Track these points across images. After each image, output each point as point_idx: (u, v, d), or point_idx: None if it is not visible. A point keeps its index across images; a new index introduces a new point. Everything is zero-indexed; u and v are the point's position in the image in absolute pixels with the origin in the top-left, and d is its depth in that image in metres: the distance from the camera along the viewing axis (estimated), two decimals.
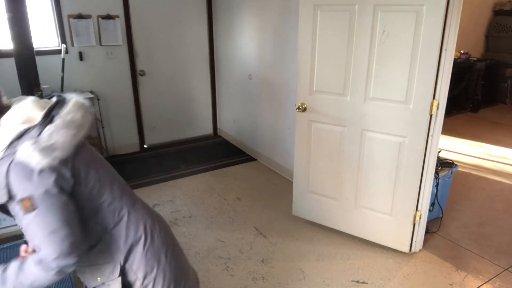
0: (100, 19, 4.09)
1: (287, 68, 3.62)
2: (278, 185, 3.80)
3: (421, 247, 2.76)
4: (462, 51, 6.27)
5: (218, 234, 2.97)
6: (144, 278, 1.26)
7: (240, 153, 4.65)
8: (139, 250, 1.25)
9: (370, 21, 2.37)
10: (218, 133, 5.30)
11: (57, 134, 1.03)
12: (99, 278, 1.24)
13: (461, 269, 2.56)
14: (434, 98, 2.32)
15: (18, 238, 1.83)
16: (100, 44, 4.16)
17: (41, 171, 0.99)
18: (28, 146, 0.98)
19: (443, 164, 3.03)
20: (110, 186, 1.21)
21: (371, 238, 2.79)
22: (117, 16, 4.17)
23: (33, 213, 1.00)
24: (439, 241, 2.88)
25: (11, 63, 3.24)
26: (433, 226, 3.01)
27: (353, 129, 2.63)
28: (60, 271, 1.06)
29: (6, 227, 1.75)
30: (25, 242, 1.29)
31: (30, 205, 0.99)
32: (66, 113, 1.08)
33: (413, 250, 2.71)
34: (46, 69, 3.80)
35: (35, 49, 3.23)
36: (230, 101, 4.88)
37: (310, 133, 2.83)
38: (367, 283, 2.45)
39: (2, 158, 1.00)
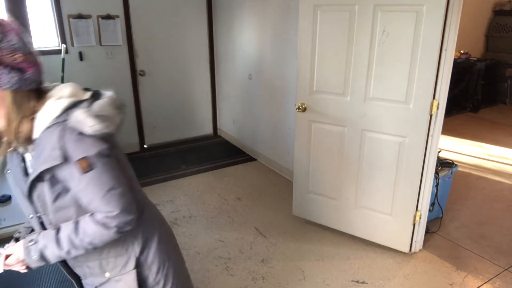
0: (100, 19, 4.09)
1: (287, 68, 3.62)
2: (278, 185, 3.80)
3: (421, 247, 2.76)
4: (462, 51, 6.27)
5: (218, 234, 2.97)
6: (157, 273, 1.26)
7: (240, 153, 4.65)
8: (154, 244, 1.26)
9: (370, 21, 2.37)
10: (218, 133, 5.30)
11: (107, 108, 1.09)
12: (107, 274, 1.22)
13: (461, 269, 2.56)
14: (434, 98, 2.32)
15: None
16: (100, 44, 4.16)
17: (93, 135, 1.02)
18: (81, 113, 1.02)
19: (443, 164, 3.03)
20: (133, 178, 1.22)
21: (371, 238, 2.80)
22: (117, 16, 4.17)
23: (91, 173, 1.02)
24: (439, 241, 2.88)
25: None
26: (433, 226, 3.01)
27: (353, 129, 2.63)
28: (120, 228, 1.08)
29: (6, 227, 1.75)
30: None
31: (87, 165, 1.02)
32: (109, 96, 1.15)
33: (413, 250, 2.71)
34: (46, 69, 3.79)
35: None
36: (230, 101, 4.88)
37: (310, 133, 2.83)
38: (367, 283, 2.45)
39: (51, 125, 1.02)
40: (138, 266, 1.22)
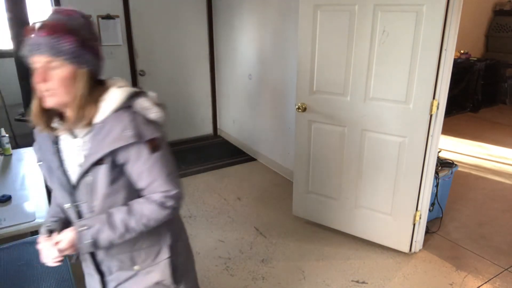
0: (100, 19, 4.09)
1: (287, 68, 3.62)
2: (278, 185, 3.80)
3: (421, 247, 2.76)
4: (462, 51, 6.26)
5: (218, 234, 2.97)
6: (184, 263, 1.31)
7: (240, 153, 4.65)
8: (183, 235, 1.34)
9: (370, 21, 2.37)
10: (218, 133, 5.30)
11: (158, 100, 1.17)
12: (136, 267, 1.23)
13: (461, 269, 2.56)
14: (434, 98, 2.32)
15: (18, 238, 1.83)
16: (100, 44, 4.16)
17: (156, 121, 1.12)
18: (145, 100, 1.12)
19: (443, 164, 3.03)
20: None
21: (371, 238, 2.80)
22: (117, 16, 4.17)
23: (158, 153, 1.10)
24: (439, 241, 2.88)
25: (11, 63, 3.24)
26: (433, 226, 3.01)
27: (353, 129, 2.63)
28: (175, 209, 1.15)
29: (6, 227, 1.75)
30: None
31: (156, 145, 1.10)
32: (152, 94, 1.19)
33: (413, 250, 2.71)
34: None
35: None
36: (230, 101, 4.88)
37: (310, 133, 2.83)
38: (367, 283, 2.45)
39: (117, 110, 1.08)
40: (172, 255, 1.26)
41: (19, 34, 3.08)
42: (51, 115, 1.10)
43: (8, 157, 2.60)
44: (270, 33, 3.82)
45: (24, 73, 3.18)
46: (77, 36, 1.02)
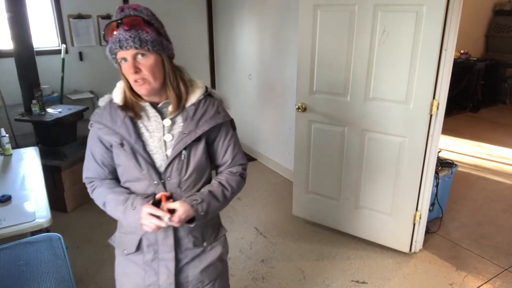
0: (100, 19, 4.09)
1: (287, 68, 3.62)
2: (278, 185, 3.80)
3: (421, 247, 2.76)
4: (462, 51, 6.27)
5: None
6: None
7: None
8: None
9: (370, 21, 2.37)
10: None
11: None
12: (205, 243, 1.31)
13: (461, 269, 2.56)
14: (434, 98, 2.32)
15: (18, 238, 1.83)
16: (100, 44, 4.16)
17: (227, 109, 1.34)
18: (219, 92, 1.34)
19: (443, 164, 3.03)
20: None
21: (371, 238, 2.80)
22: None
23: (235, 132, 1.34)
24: (439, 241, 2.88)
25: (11, 63, 3.24)
26: (433, 226, 3.01)
27: (353, 129, 2.63)
28: (245, 179, 1.35)
29: (6, 227, 1.75)
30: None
31: (234, 125, 1.34)
32: None
33: (413, 250, 2.71)
34: (46, 69, 3.80)
35: (35, 49, 3.23)
36: (230, 101, 4.86)
37: (310, 133, 2.83)
38: (367, 283, 2.45)
39: (204, 96, 1.26)
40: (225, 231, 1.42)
41: (19, 34, 3.08)
42: (138, 101, 1.20)
43: (8, 157, 2.59)
44: (270, 33, 3.82)
45: (24, 73, 3.19)
46: (152, 26, 1.12)
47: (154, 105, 1.21)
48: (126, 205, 1.17)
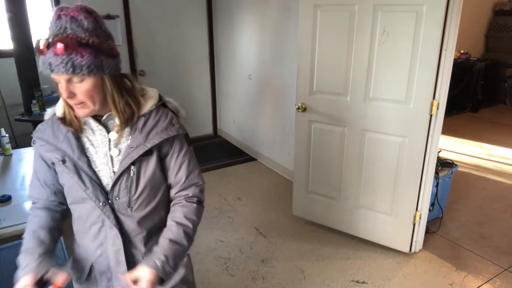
0: None
1: (287, 68, 3.62)
2: (278, 185, 3.80)
3: (421, 247, 2.76)
4: (462, 51, 6.27)
5: (218, 234, 2.97)
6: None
7: (240, 153, 4.65)
8: None
9: (370, 21, 2.37)
10: (218, 133, 5.30)
11: None
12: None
13: (461, 269, 2.56)
14: (434, 98, 2.32)
15: (18, 238, 1.83)
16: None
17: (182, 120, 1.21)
18: (174, 102, 1.22)
19: (443, 164, 3.03)
20: None
21: (371, 238, 2.79)
22: (117, 16, 4.16)
23: (190, 147, 1.21)
24: (439, 241, 2.88)
25: (11, 63, 3.24)
26: (433, 226, 3.01)
27: (353, 129, 2.63)
28: (203, 203, 1.24)
29: (6, 227, 1.75)
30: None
31: (189, 140, 1.21)
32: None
33: (413, 250, 2.71)
34: None
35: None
36: (230, 101, 4.88)
37: (310, 133, 2.83)
38: (367, 283, 2.45)
39: (156, 107, 1.14)
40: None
41: (19, 34, 3.09)
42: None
43: (8, 157, 2.60)
44: (270, 33, 3.82)
45: (24, 73, 3.19)
46: (90, 47, 0.96)
47: (97, 118, 1.09)
48: (19, 263, 1.08)
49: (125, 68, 4.44)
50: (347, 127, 2.65)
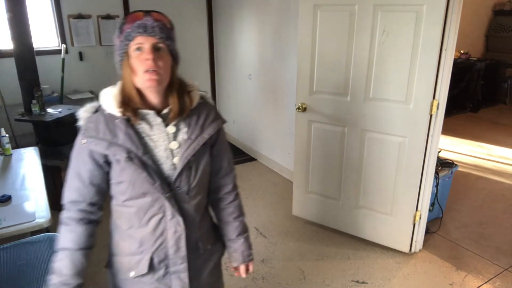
0: (100, 19, 4.09)
1: (287, 68, 3.62)
2: (278, 185, 3.80)
3: (421, 247, 2.76)
4: (462, 51, 6.27)
5: None
6: None
7: (240, 153, 4.65)
8: None
9: (370, 21, 2.37)
10: None
11: None
12: (209, 246, 1.32)
13: (461, 269, 2.56)
14: (434, 98, 2.32)
15: (18, 238, 1.83)
16: (100, 44, 4.16)
17: None
18: (206, 93, 1.29)
19: (443, 164, 3.03)
20: None
21: (371, 238, 2.80)
22: (117, 16, 4.17)
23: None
24: (439, 241, 2.88)
25: (11, 63, 3.24)
26: (433, 226, 3.01)
27: (353, 129, 2.63)
28: None
29: (6, 227, 1.75)
30: None
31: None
32: None
33: (413, 250, 2.71)
34: (46, 69, 3.80)
35: (35, 49, 3.23)
36: (230, 101, 4.88)
37: (310, 133, 2.83)
38: (367, 283, 2.45)
39: (201, 101, 1.22)
40: None
41: (19, 34, 3.08)
42: (135, 103, 1.11)
43: (8, 157, 2.60)
44: (270, 33, 3.82)
45: (24, 73, 3.19)
46: (174, 32, 1.12)
47: (156, 112, 1.13)
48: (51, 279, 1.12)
49: None
50: (347, 127, 2.65)
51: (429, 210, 2.77)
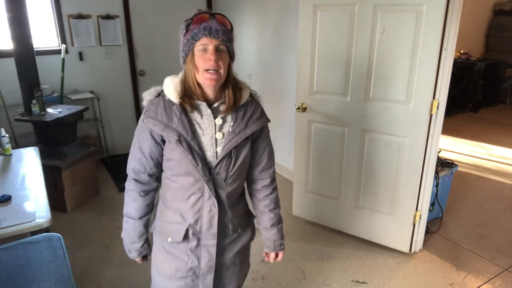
0: (100, 19, 4.09)
1: (287, 68, 3.62)
2: (278, 185, 3.78)
3: (421, 247, 2.76)
4: (462, 51, 6.26)
5: None
6: None
7: None
8: None
9: (370, 21, 2.37)
10: None
11: None
12: (239, 229, 1.49)
13: (461, 269, 2.56)
14: (434, 98, 2.32)
15: (18, 238, 1.83)
16: (100, 44, 4.16)
17: None
18: (256, 92, 1.40)
19: (443, 164, 3.03)
20: None
21: (371, 238, 2.79)
22: (117, 16, 4.16)
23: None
24: (439, 241, 2.88)
25: (11, 63, 3.24)
26: (433, 226, 3.01)
27: (353, 129, 2.63)
28: None
29: (6, 227, 1.75)
30: None
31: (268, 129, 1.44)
32: None
33: (413, 250, 2.71)
34: (46, 69, 3.79)
35: (35, 49, 3.23)
36: None
37: (310, 133, 2.83)
38: (367, 283, 2.45)
39: (250, 99, 1.35)
40: None
41: (19, 34, 3.08)
42: (194, 95, 1.25)
43: (8, 157, 2.59)
44: (270, 33, 3.82)
45: (24, 73, 3.19)
46: (232, 34, 1.23)
47: (208, 104, 1.27)
48: (127, 240, 1.42)
49: (125, 68, 4.43)
50: (347, 127, 2.65)
51: (429, 210, 2.77)
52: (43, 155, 2.85)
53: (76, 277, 1.79)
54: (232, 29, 1.23)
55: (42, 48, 3.92)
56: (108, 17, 4.11)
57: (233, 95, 1.27)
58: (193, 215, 1.32)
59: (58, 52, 3.93)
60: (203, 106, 1.25)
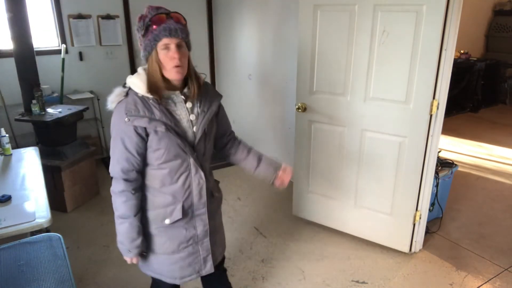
0: (100, 19, 4.09)
1: (287, 68, 3.62)
2: None
3: (421, 247, 2.76)
4: (462, 51, 6.26)
5: None
6: None
7: None
8: None
9: (370, 21, 2.37)
10: None
11: None
12: (216, 193, 1.67)
13: (461, 269, 2.56)
14: (434, 98, 2.32)
15: (18, 238, 1.83)
16: (100, 44, 4.16)
17: None
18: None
19: (443, 164, 3.03)
20: None
21: (371, 238, 2.79)
22: (117, 16, 4.17)
23: None
24: (439, 241, 2.88)
25: (11, 63, 3.24)
26: (433, 226, 3.01)
27: (353, 129, 2.63)
28: None
29: (6, 227, 1.75)
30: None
31: None
32: None
33: (413, 250, 2.71)
34: (46, 69, 3.79)
35: (35, 49, 3.23)
36: (230, 101, 4.87)
37: (310, 133, 2.83)
38: (367, 283, 2.45)
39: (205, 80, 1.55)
40: None
41: (19, 34, 3.08)
42: (161, 88, 1.39)
43: (8, 157, 2.59)
44: (270, 33, 3.82)
45: (24, 73, 3.19)
46: (187, 29, 1.37)
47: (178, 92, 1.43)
48: (124, 240, 1.47)
49: (125, 68, 4.42)
50: (347, 127, 2.65)
51: (429, 210, 2.77)
52: (43, 155, 2.85)
53: (76, 277, 1.79)
54: (186, 23, 1.38)
55: (42, 48, 3.92)
56: (108, 17, 4.11)
57: (197, 81, 1.43)
58: (184, 192, 1.46)
59: (58, 52, 3.93)
60: (175, 94, 1.41)
